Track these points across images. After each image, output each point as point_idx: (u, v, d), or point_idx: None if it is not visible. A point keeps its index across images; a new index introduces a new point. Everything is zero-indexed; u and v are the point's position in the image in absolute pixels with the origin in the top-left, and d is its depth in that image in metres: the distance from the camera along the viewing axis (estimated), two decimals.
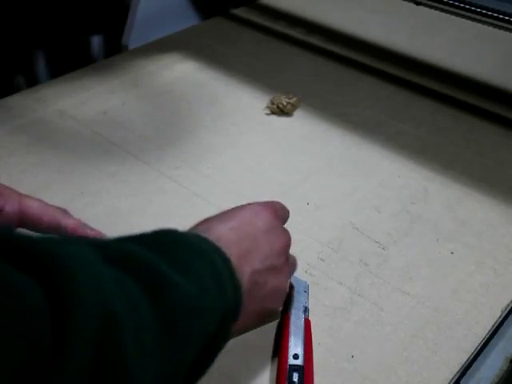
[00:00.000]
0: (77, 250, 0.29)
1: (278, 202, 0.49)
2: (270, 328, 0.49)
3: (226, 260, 0.39)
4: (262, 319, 0.47)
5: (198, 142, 0.71)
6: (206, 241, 0.39)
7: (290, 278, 0.49)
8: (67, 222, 0.46)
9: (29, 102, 0.76)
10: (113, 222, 0.59)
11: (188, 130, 0.73)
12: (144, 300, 0.31)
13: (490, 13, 0.71)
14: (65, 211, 0.47)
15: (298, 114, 0.76)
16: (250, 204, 0.46)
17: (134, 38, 0.89)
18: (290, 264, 0.47)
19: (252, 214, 0.44)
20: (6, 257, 0.27)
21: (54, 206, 0.46)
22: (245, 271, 0.41)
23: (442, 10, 0.77)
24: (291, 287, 0.51)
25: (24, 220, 0.45)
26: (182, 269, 0.34)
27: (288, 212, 0.50)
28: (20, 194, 0.45)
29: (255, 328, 0.48)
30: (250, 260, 0.41)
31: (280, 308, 0.49)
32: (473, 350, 0.49)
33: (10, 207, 0.44)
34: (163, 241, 0.37)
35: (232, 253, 0.40)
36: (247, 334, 0.48)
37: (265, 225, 0.44)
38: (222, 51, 0.89)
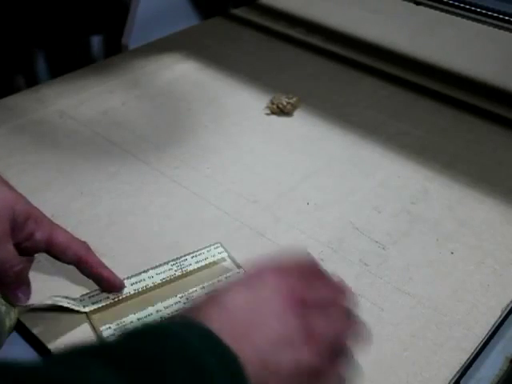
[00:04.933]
0: (91, 374, 0.26)
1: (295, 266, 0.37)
2: None
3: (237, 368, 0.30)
4: None
5: (197, 142, 0.71)
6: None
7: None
8: (88, 260, 0.48)
9: (29, 102, 0.76)
10: (113, 221, 0.59)
11: (188, 130, 0.73)
12: None
13: (489, 13, 0.71)
14: (87, 247, 0.49)
15: (297, 114, 0.76)
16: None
17: (134, 38, 0.89)
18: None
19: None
20: None
21: (78, 239, 0.48)
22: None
23: (442, 10, 0.77)
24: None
25: (50, 249, 0.47)
26: None
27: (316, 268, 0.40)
28: (52, 223, 0.47)
29: None
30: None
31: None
32: (473, 350, 0.48)
33: (40, 234, 0.45)
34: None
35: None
36: None
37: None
38: (222, 51, 0.89)
